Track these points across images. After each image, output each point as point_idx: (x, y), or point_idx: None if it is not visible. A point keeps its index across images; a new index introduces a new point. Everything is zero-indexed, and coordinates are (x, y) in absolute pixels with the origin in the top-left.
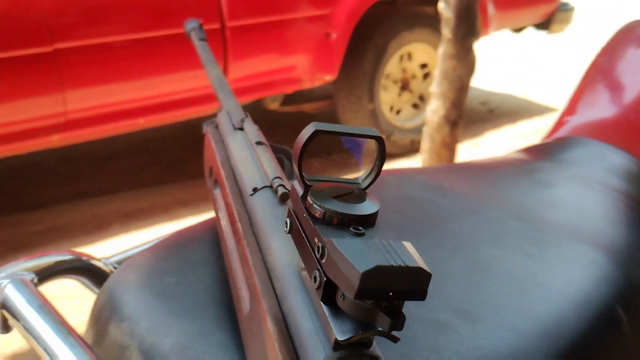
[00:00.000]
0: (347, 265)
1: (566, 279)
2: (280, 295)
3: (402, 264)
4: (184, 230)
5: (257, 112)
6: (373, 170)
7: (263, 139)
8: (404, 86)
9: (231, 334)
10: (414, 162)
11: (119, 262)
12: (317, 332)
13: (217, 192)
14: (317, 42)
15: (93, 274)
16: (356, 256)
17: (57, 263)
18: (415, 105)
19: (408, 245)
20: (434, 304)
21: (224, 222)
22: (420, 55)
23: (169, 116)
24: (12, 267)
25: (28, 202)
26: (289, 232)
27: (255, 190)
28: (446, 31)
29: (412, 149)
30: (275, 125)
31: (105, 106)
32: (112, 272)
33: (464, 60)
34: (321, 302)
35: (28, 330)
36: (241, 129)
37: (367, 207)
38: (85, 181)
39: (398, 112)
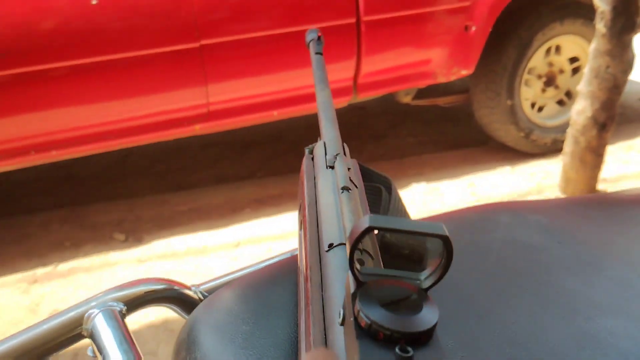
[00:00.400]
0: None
1: None
2: None
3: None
4: (270, 266)
5: (389, 105)
6: (437, 270)
7: (355, 179)
8: (549, 81)
9: None
10: (554, 162)
11: (209, 291)
12: None
13: (301, 234)
14: (455, 35)
15: (183, 302)
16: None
17: (148, 292)
18: (560, 102)
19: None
20: None
21: (301, 272)
22: (570, 48)
23: (300, 109)
24: (104, 297)
25: (173, 183)
26: (341, 324)
27: (330, 246)
28: (600, 25)
29: (554, 148)
30: (406, 118)
31: (243, 99)
32: (200, 299)
33: (619, 57)
34: None
35: None
36: (332, 167)
37: (421, 321)
38: (224, 167)
39: (540, 108)
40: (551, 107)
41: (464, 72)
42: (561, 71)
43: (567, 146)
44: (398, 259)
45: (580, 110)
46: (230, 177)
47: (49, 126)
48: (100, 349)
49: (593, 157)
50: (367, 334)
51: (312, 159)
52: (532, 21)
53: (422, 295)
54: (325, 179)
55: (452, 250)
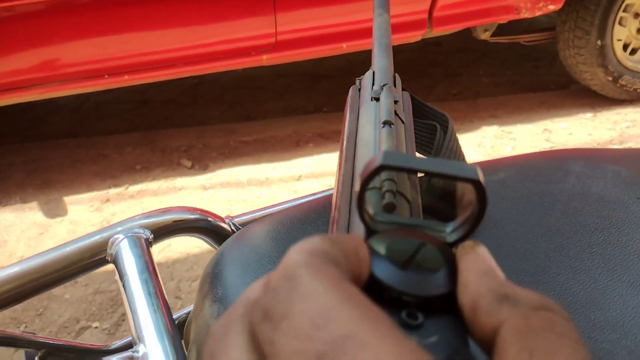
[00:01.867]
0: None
1: None
2: None
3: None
4: (306, 204)
5: (465, 42)
6: (466, 222)
7: (403, 114)
8: None
9: None
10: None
11: (243, 224)
12: None
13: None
14: None
15: (214, 234)
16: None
17: (177, 221)
18: None
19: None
20: (607, 333)
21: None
22: None
23: (370, 42)
24: (131, 223)
25: (241, 113)
26: None
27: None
28: None
29: None
30: (483, 57)
31: (311, 29)
32: (233, 231)
33: None
34: None
35: (126, 292)
36: (377, 99)
37: (438, 283)
38: (292, 98)
39: (634, 51)
40: None
41: (552, 7)
42: None
43: None
44: (447, 207)
45: None
46: (297, 110)
47: (123, 50)
48: (121, 275)
49: None
50: (369, 293)
51: (359, 90)
52: None
53: (446, 251)
54: (368, 112)
55: (486, 199)
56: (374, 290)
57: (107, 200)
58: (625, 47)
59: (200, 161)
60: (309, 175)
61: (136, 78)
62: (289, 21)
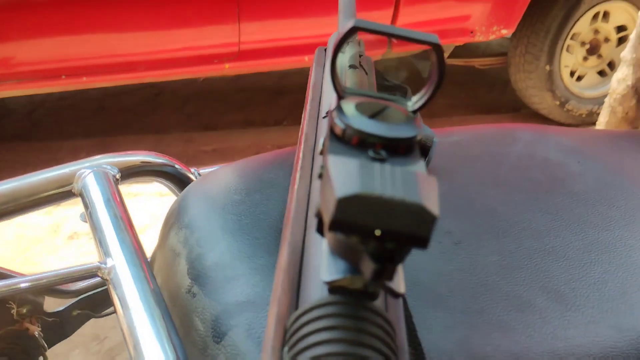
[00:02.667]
0: (329, 189)
1: None
2: (309, 226)
3: (396, 197)
4: (273, 152)
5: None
6: (427, 90)
7: (367, 66)
8: (593, 49)
9: (275, 260)
10: None
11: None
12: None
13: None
14: None
15: (180, 181)
16: (343, 178)
17: (145, 163)
18: (601, 73)
19: (425, 178)
20: (521, 276)
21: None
22: (619, 15)
23: None
24: (99, 160)
25: (201, 123)
26: (320, 153)
27: (327, 113)
28: None
29: (589, 121)
30: None
31: (275, 40)
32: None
33: None
34: (318, 234)
35: (95, 226)
36: (343, 52)
37: (401, 130)
38: (253, 111)
39: (580, 78)
40: (591, 76)
41: (505, 32)
42: (606, 40)
43: (602, 116)
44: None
45: (621, 78)
46: (257, 122)
47: (82, 51)
48: (88, 207)
49: (628, 128)
50: (342, 140)
51: (325, 50)
52: None
53: (409, 115)
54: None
55: (444, 62)
56: (344, 138)
57: (58, 205)
58: (572, 73)
59: None
60: None
61: (95, 80)
62: (253, 31)
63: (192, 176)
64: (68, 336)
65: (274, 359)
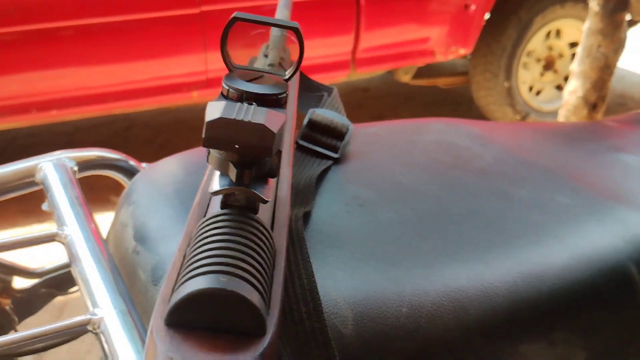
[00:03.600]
0: (205, 119)
1: (586, 235)
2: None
3: (246, 119)
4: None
5: (391, 87)
6: (295, 64)
7: (286, 64)
8: (548, 65)
9: None
10: None
11: None
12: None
13: None
14: (454, 13)
15: (131, 174)
16: (212, 112)
17: (102, 157)
18: (559, 87)
19: (273, 113)
20: (410, 228)
21: None
22: (570, 32)
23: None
24: (59, 155)
25: (173, 153)
26: None
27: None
28: (593, 4)
29: None
30: (407, 100)
31: None
32: None
33: (610, 36)
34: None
35: (55, 207)
36: (266, 55)
37: (269, 89)
38: None
39: (538, 92)
40: (549, 91)
41: (463, 52)
42: (560, 55)
43: None
44: (324, 133)
45: (572, 90)
46: None
47: (51, 85)
48: (50, 195)
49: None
50: (226, 97)
51: None
52: (532, 3)
53: (281, 82)
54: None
55: (303, 41)
56: (227, 97)
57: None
58: (530, 89)
59: None
60: None
61: (65, 113)
62: (220, 59)
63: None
64: (36, 312)
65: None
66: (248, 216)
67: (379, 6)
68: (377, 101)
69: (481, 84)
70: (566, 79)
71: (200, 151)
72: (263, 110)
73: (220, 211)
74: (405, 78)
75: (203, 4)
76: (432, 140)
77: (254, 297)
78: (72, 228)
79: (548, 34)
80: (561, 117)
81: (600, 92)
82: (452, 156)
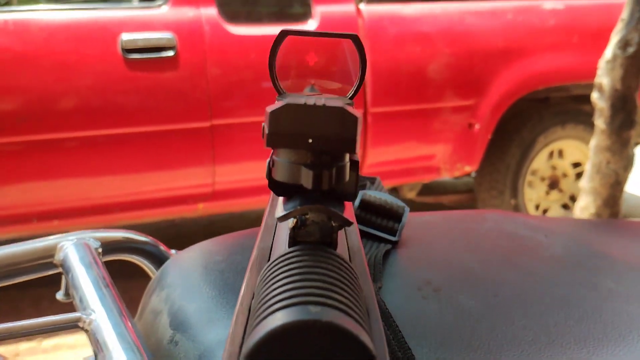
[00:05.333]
0: (266, 113)
1: None
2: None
3: (318, 104)
4: (254, 228)
5: None
6: (357, 80)
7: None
8: (553, 184)
9: None
10: None
11: None
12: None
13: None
14: (459, 132)
15: (158, 261)
16: (276, 105)
17: (128, 240)
18: (565, 206)
19: (349, 106)
20: (498, 320)
21: None
22: (572, 153)
23: None
24: (83, 234)
25: None
26: None
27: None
28: (599, 122)
29: None
30: None
31: (249, 181)
32: None
33: (619, 153)
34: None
35: (76, 289)
36: None
37: (334, 99)
38: None
39: (545, 211)
40: (555, 210)
41: (468, 169)
42: (564, 175)
43: None
44: (378, 215)
45: (584, 206)
46: None
47: (54, 195)
48: (71, 277)
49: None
50: None
51: None
52: (534, 123)
53: (348, 101)
54: None
55: (364, 50)
56: None
57: (17, 355)
58: (537, 207)
59: None
60: None
61: (66, 224)
62: (228, 172)
63: (170, 255)
64: None
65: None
66: (328, 250)
67: (385, 123)
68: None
69: (487, 202)
70: (572, 198)
71: (233, 236)
72: (336, 99)
73: (291, 248)
74: (411, 195)
75: (214, 118)
76: (492, 229)
77: (361, 333)
78: (98, 313)
79: (551, 154)
80: None
81: (613, 209)
82: (518, 244)
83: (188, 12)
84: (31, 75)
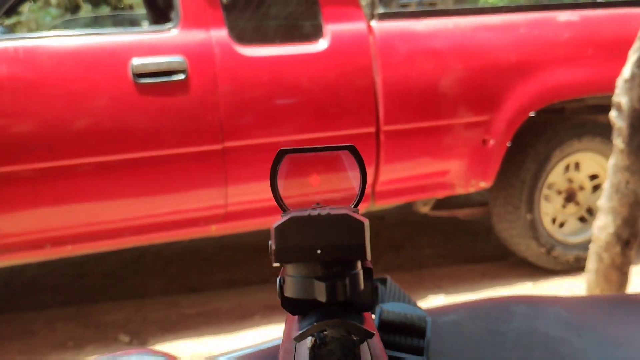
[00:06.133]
0: (272, 229)
1: None
2: None
3: (323, 214)
4: (262, 352)
5: (407, 215)
6: (359, 190)
7: None
8: (570, 197)
9: None
10: (578, 280)
11: None
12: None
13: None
14: (473, 148)
15: None
16: (281, 220)
17: None
18: (582, 219)
19: (351, 211)
20: None
21: None
22: (589, 165)
23: None
24: None
25: (184, 285)
26: None
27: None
28: (618, 141)
29: (577, 266)
30: (424, 229)
31: (261, 201)
32: None
33: (638, 173)
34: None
35: None
36: None
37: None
38: (236, 271)
39: (562, 224)
40: (572, 223)
41: (483, 185)
42: (581, 188)
43: (591, 263)
44: (401, 333)
45: (602, 226)
46: (241, 282)
47: (68, 220)
48: None
49: (618, 274)
50: None
51: None
52: (550, 137)
53: (352, 209)
54: None
55: (362, 160)
56: None
57: None
58: (553, 220)
59: (139, 336)
60: None
61: (80, 248)
62: (240, 193)
63: None
64: None
65: None
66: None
67: (397, 141)
68: (394, 230)
69: (502, 217)
70: (589, 210)
71: (261, 354)
72: (340, 208)
73: None
74: (424, 209)
75: (226, 140)
76: (522, 332)
77: None
78: None
79: (567, 167)
80: (592, 254)
81: (633, 229)
82: (552, 352)
83: (198, 35)
84: (42, 102)
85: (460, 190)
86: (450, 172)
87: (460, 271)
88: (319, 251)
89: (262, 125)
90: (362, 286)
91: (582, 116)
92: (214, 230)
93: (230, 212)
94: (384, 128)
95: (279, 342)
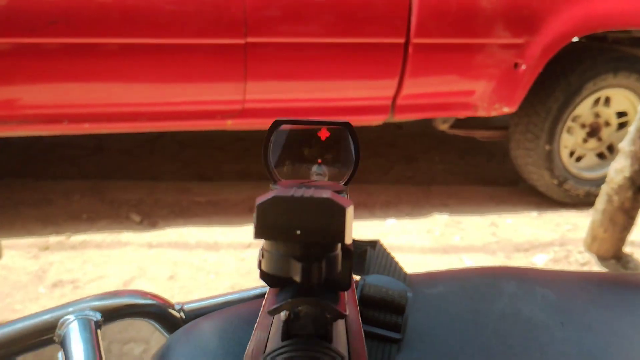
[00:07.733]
0: (255, 205)
1: None
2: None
3: (306, 195)
4: (254, 303)
5: (425, 128)
6: (351, 165)
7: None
8: (593, 132)
9: None
10: (583, 215)
11: (192, 311)
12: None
13: None
14: (503, 71)
15: (164, 320)
16: (264, 196)
17: (129, 305)
18: (601, 155)
19: (335, 194)
20: None
21: None
22: (620, 101)
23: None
24: (82, 304)
25: (197, 172)
26: None
27: None
28: None
29: (586, 201)
30: (440, 144)
31: (278, 101)
32: (182, 318)
33: None
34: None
35: None
36: None
37: (326, 187)
38: (250, 163)
39: (579, 158)
40: (590, 158)
41: (506, 110)
42: (607, 124)
43: (600, 203)
44: (380, 309)
45: (619, 168)
46: (254, 175)
47: (86, 99)
48: (68, 358)
49: (624, 218)
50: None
51: None
52: (585, 69)
53: (342, 188)
54: None
55: (357, 137)
56: None
57: (47, 248)
58: (571, 154)
59: (150, 217)
60: (259, 244)
61: (96, 127)
62: (259, 90)
63: (176, 313)
64: None
65: None
66: (322, 343)
67: (427, 54)
68: (410, 141)
69: (520, 144)
70: (609, 147)
71: (251, 305)
72: (325, 190)
73: (284, 342)
74: (443, 127)
75: (249, 36)
76: (506, 314)
77: None
78: None
79: (597, 101)
80: (604, 195)
81: None
82: (531, 342)
83: None
84: None
85: (482, 113)
86: (476, 94)
87: (468, 191)
88: (298, 232)
89: (287, 23)
90: (339, 268)
91: (623, 48)
92: (230, 124)
93: (247, 109)
94: (414, 40)
95: (258, 291)
